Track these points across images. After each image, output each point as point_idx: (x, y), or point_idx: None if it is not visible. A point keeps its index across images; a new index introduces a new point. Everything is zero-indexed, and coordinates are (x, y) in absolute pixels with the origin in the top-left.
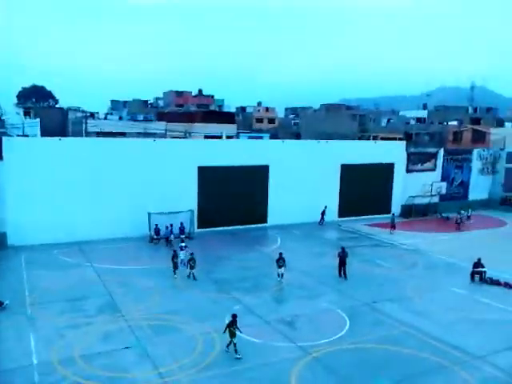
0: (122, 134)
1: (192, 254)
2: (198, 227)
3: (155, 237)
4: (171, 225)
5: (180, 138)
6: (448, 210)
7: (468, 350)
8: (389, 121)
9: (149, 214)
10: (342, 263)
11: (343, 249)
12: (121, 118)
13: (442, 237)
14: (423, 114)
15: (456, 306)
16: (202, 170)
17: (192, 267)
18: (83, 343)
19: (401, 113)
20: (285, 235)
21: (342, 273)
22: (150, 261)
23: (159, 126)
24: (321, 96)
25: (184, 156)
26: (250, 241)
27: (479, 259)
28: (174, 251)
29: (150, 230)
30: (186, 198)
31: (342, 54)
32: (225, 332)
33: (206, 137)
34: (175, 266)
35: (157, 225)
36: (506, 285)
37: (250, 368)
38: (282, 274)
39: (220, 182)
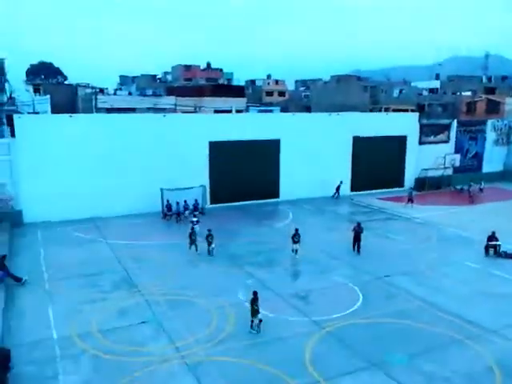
0: (132, 110)
1: (210, 230)
2: (210, 203)
3: (168, 213)
4: (185, 201)
5: (190, 112)
6: (462, 182)
7: (482, 323)
8: (401, 92)
9: (161, 189)
10: (357, 238)
11: (359, 224)
12: (130, 94)
13: (455, 210)
14: (436, 84)
15: (470, 280)
16: (213, 145)
17: (210, 243)
18: (100, 318)
19: (413, 83)
20: (297, 210)
21: (356, 247)
22: (163, 236)
23: (169, 101)
24: (331, 68)
25: (195, 131)
26: (261, 216)
27: (493, 232)
28: (192, 228)
29: (162, 205)
30: (197, 174)
31: (353, 25)
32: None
33: (216, 111)
34: (192, 242)
35: (168, 200)
36: None
37: (264, 342)
38: (297, 250)
39: (231, 157)
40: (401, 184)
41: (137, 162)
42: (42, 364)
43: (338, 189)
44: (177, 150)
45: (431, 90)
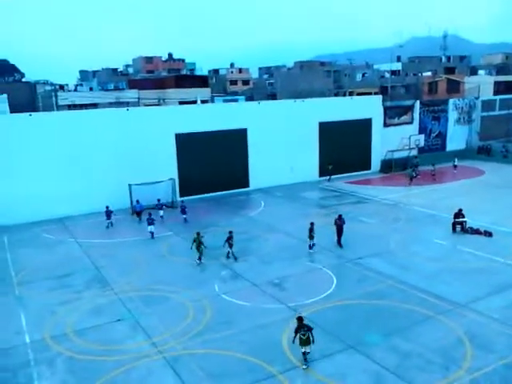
0: (94, 105)
1: (231, 232)
2: (180, 195)
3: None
4: (158, 200)
5: (154, 105)
6: (427, 161)
7: (452, 298)
8: (364, 75)
9: (129, 185)
10: (340, 231)
11: (340, 216)
12: (91, 89)
13: (421, 189)
14: (397, 66)
15: (439, 257)
16: (180, 137)
17: (231, 245)
18: (74, 319)
19: (375, 66)
20: (268, 198)
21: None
22: (133, 233)
23: (131, 94)
24: (294, 54)
25: (160, 124)
26: (233, 206)
27: (460, 209)
28: (198, 233)
29: (131, 201)
30: (165, 167)
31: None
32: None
33: (181, 102)
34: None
35: (138, 200)
36: (486, 233)
37: (241, 331)
38: (313, 245)
39: (199, 149)
40: (368, 167)
41: (103, 158)
42: (15, 370)
43: (329, 172)
44: (143, 144)
45: (393, 72)
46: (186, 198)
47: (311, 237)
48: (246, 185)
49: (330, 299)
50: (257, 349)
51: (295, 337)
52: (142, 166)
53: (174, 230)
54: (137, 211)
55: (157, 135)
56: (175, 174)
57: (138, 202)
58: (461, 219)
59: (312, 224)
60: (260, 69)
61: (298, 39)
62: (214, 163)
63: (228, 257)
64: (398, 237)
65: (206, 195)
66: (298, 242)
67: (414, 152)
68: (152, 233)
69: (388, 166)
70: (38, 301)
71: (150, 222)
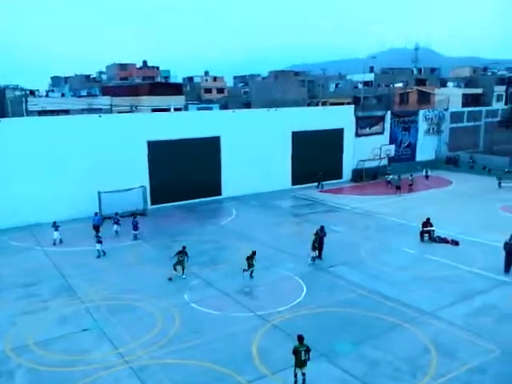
0: (66, 112)
1: (254, 252)
2: (152, 203)
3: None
4: (116, 213)
5: (127, 112)
6: (397, 171)
7: (419, 307)
8: (337, 85)
9: (99, 192)
10: (321, 243)
11: (322, 228)
12: (63, 95)
13: (391, 199)
14: (370, 77)
15: (407, 266)
16: (152, 145)
17: (250, 265)
18: (39, 329)
19: (348, 77)
20: (240, 206)
21: (318, 252)
22: (102, 241)
23: (104, 101)
24: (269, 63)
25: (132, 131)
26: (205, 214)
27: (428, 219)
28: (184, 247)
29: (100, 209)
30: (137, 175)
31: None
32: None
33: (154, 110)
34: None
35: (96, 213)
36: (453, 242)
37: (211, 340)
38: (315, 257)
39: (171, 156)
40: (339, 176)
41: (73, 165)
42: None
43: (319, 179)
44: (114, 151)
45: (366, 83)
46: (157, 205)
47: (314, 248)
48: (219, 193)
49: (300, 307)
50: (226, 358)
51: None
52: (113, 173)
53: (143, 238)
54: (94, 225)
55: (129, 142)
56: (147, 182)
57: (96, 214)
58: (429, 228)
59: (317, 234)
60: (235, 77)
61: (273, 48)
62: (186, 171)
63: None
64: (368, 245)
65: (178, 203)
66: (269, 250)
67: (385, 162)
68: (99, 251)
69: (359, 175)
70: (1, 311)
71: (98, 239)
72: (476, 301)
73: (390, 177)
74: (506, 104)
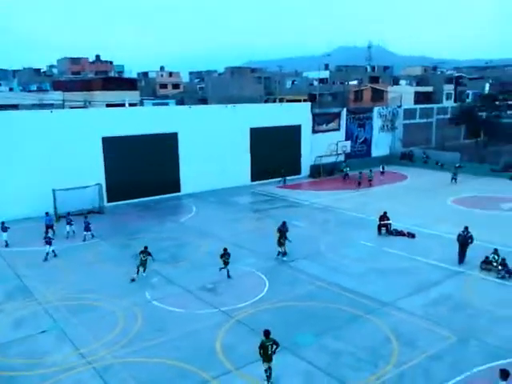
0: (15, 107)
1: (226, 249)
2: (109, 201)
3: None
4: (68, 213)
5: (80, 107)
6: (354, 167)
7: (379, 298)
8: (293, 82)
9: (53, 190)
10: (283, 239)
11: (284, 223)
12: (11, 90)
13: (349, 194)
14: (325, 74)
15: (366, 258)
16: (107, 141)
17: (226, 263)
18: None
19: (304, 74)
20: (200, 203)
21: (283, 248)
22: (57, 240)
23: (56, 96)
24: (225, 59)
25: (86, 127)
26: (164, 211)
27: (385, 212)
28: (145, 247)
29: (55, 207)
30: (92, 172)
31: (247, 15)
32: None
33: (108, 105)
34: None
35: (47, 213)
36: (409, 234)
37: (174, 338)
38: (285, 253)
39: (128, 153)
40: (298, 172)
41: (25, 162)
42: None
43: (283, 175)
44: (68, 148)
45: (321, 80)
46: (114, 203)
47: (280, 243)
48: (177, 189)
49: (263, 302)
50: (190, 355)
51: (260, 352)
52: (67, 171)
53: (101, 236)
54: (46, 225)
55: (83, 138)
56: (102, 179)
57: (47, 214)
58: (386, 222)
59: (280, 231)
60: (191, 73)
61: (229, 45)
62: (143, 168)
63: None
64: (327, 239)
65: (135, 200)
66: (230, 246)
67: (341, 158)
68: (47, 253)
69: (317, 170)
70: None
71: (47, 240)
72: (432, 291)
73: (348, 169)
74: (455, 102)
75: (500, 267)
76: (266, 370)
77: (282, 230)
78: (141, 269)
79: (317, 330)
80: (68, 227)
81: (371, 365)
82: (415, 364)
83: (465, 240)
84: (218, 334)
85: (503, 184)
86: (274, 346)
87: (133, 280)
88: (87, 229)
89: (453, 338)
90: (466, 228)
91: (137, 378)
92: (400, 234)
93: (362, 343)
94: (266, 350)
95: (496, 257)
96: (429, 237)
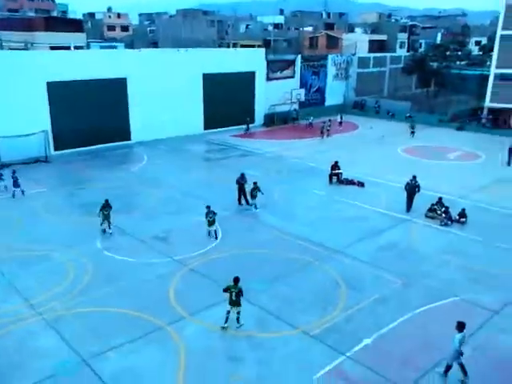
0: None
1: (209, 206)
2: (55, 149)
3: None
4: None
5: (20, 49)
6: (307, 115)
7: (328, 245)
8: (247, 27)
9: None
10: (241, 190)
11: (242, 175)
12: None
13: (302, 143)
14: (280, 19)
15: (317, 207)
16: (52, 86)
17: (211, 223)
18: None
19: (258, 18)
20: (151, 151)
21: (244, 201)
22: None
23: None
24: (176, 1)
25: (29, 70)
26: (114, 160)
27: (336, 162)
28: (106, 201)
29: None
30: (37, 118)
31: None
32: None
33: (52, 48)
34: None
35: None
36: (359, 183)
37: (126, 287)
38: (256, 205)
39: (75, 99)
40: (252, 120)
41: None
42: None
43: (247, 123)
44: (9, 93)
45: (276, 26)
46: (61, 151)
47: (253, 196)
48: (128, 138)
49: (216, 250)
50: (143, 303)
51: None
52: (10, 117)
53: (48, 186)
54: None
55: (25, 83)
56: (48, 126)
57: None
58: (337, 171)
59: (255, 183)
60: (140, 15)
61: None
62: (91, 115)
63: (209, 234)
64: (280, 188)
65: (83, 149)
66: (181, 195)
67: (296, 106)
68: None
69: (271, 119)
70: None
71: None
72: (380, 238)
73: (311, 118)
74: (408, 51)
75: (443, 215)
76: (227, 312)
77: (241, 182)
78: (105, 224)
79: (269, 276)
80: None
81: (320, 309)
82: (362, 307)
83: (412, 189)
84: (171, 283)
85: (450, 134)
86: (234, 294)
87: (104, 231)
88: (16, 185)
89: (398, 283)
90: (414, 177)
91: (90, 328)
92: (350, 183)
93: (312, 288)
94: (231, 296)
95: (440, 205)
96: (378, 185)
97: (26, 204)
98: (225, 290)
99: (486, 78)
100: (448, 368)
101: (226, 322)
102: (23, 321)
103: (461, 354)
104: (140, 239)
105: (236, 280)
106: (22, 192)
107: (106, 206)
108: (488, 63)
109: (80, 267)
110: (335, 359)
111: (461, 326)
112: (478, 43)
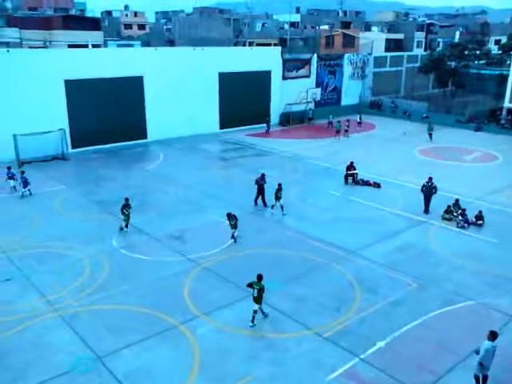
0: None
1: (280, 184)
2: (73, 147)
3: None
4: (22, 172)
5: (39, 47)
6: (323, 116)
7: (343, 246)
8: (263, 25)
9: (14, 135)
10: (261, 191)
11: (263, 175)
12: None
13: (317, 143)
14: (296, 18)
15: (332, 207)
16: (70, 84)
17: (234, 226)
18: None
19: (274, 17)
20: (167, 150)
21: (261, 200)
22: (20, 187)
23: (12, 34)
24: None
25: (47, 68)
26: (130, 158)
27: (351, 162)
28: (126, 199)
29: (16, 153)
30: (55, 116)
31: None
32: None
33: (70, 46)
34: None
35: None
36: (375, 184)
37: (141, 285)
38: (282, 207)
39: (92, 97)
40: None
41: None
42: None
43: (267, 122)
44: (28, 91)
45: (292, 24)
46: (78, 149)
47: (277, 198)
48: (144, 136)
49: (231, 250)
50: (157, 302)
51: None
52: (28, 116)
53: (66, 183)
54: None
55: (44, 81)
56: (66, 124)
57: (9, 168)
58: (352, 171)
59: (280, 185)
60: (157, 13)
61: None
62: (108, 113)
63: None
64: (296, 189)
65: (100, 147)
66: (198, 194)
67: (311, 106)
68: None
69: (286, 119)
70: None
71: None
72: (396, 240)
73: (331, 116)
74: (425, 50)
75: (460, 217)
76: (254, 311)
77: (260, 183)
78: (125, 222)
79: (283, 276)
80: (12, 182)
81: (334, 310)
82: (376, 309)
83: (429, 190)
84: (186, 281)
85: (468, 135)
86: (256, 291)
87: (121, 229)
88: (25, 184)
89: (413, 285)
90: (430, 179)
91: (105, 325)
92: (366, 183)
93: (325, 290)
94: (253, 292)
95: (456, 208)
96: (394, 186)
97: (43, 201)
98: (249, 285)
99: (506, 77)
100: (478, 379)
101: (252, 321)
102: (40, 317)
103: (484, 366)
104: (155, 238)
105: (259, 277)
106: (30, 192)
107: (128, 205)
108: (508, 62)
109: (96, 265)
110: (348, 361)
111: (492, 336)
112: (497, 42)
